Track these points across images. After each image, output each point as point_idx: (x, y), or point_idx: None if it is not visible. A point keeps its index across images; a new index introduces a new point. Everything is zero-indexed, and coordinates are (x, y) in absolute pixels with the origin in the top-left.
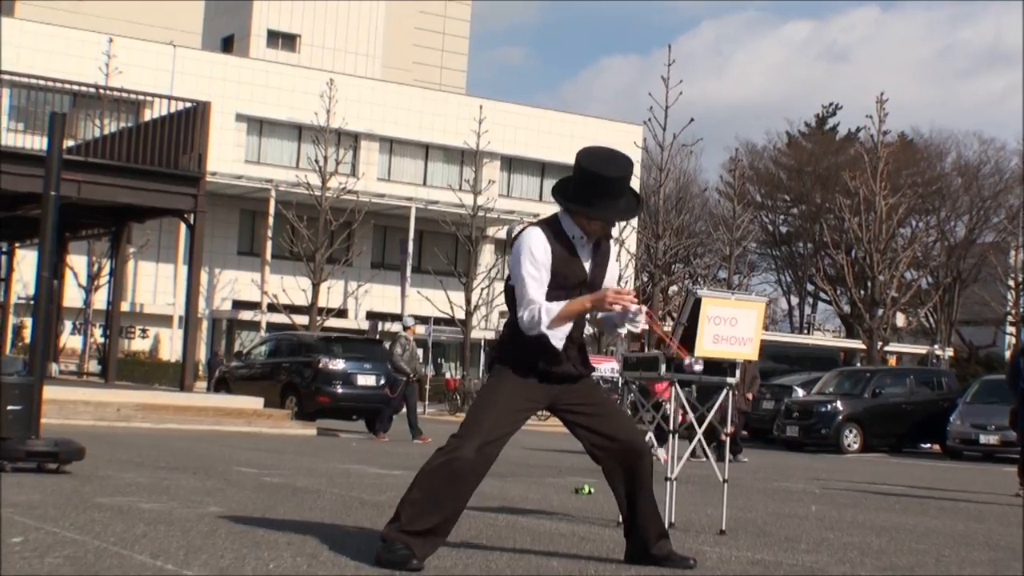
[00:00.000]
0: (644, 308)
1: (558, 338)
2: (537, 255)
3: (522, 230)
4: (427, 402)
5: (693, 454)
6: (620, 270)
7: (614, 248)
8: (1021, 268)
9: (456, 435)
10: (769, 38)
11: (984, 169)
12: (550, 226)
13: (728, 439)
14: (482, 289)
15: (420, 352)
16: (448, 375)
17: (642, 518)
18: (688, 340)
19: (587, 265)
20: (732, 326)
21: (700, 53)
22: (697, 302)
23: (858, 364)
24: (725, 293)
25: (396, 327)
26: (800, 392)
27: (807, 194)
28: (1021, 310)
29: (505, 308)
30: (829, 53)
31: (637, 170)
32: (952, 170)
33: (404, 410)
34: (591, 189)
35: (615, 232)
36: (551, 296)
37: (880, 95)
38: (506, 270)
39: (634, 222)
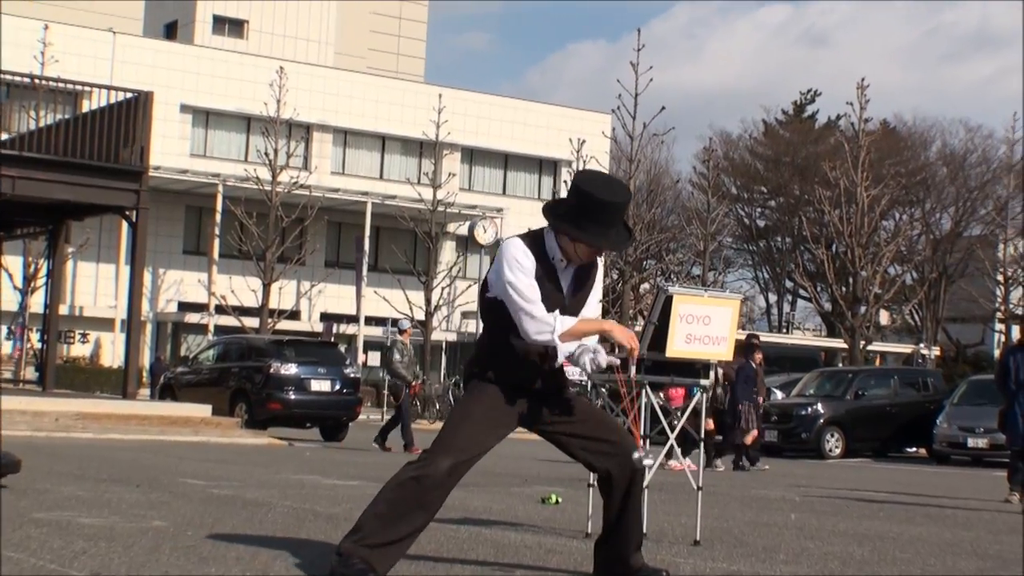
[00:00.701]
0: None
1: (562, 352)
2: (523, 263)
3: (504, 240)
4: (385, 409)
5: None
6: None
7: (600, 277)
8: (1010, 262)
9: (428, 450)
10: (745, 21)
11: (971, 158)
12: (533, 241)
13: (706, 443)
14: (443, 288)
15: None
16: None
17: (626, 527)
18: (659, 339)
19: (566, 290)
20: (705, 325)
21: (672, 38)
22: (668, 300)
23: (840, 364)
24: (698, 290)
25: (352, 329)
26: (779, 394)
27: (785, 186)
28: (1010, 306)
29: (468, 308)
30: (807, 37)
31: (605, 161)
32: (937, 159)
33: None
34: (583, 211)
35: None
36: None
37: (861, 81)
38: (468, 267)
39: None
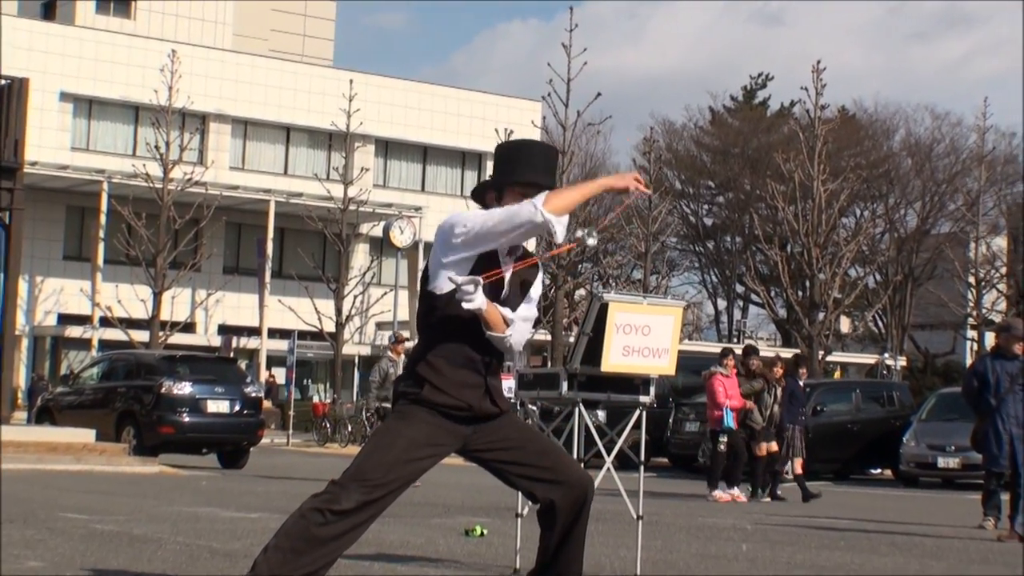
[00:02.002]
0: (478, 279)
1: (559, 233)
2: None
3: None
4: (291, 431)
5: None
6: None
7: (540, 274)
8: (982, 262)
9: (337, 482)
10: None
11: (938, 148)
12: None
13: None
14: (355, 296)
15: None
16: (316, 399)
17: (565, 564)
18: (594, 352)
19: (506, 278)
20: (644, 335)
21: (610, 17)
22: (604, 308)
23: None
24: (636, 297)
25: (253, 343)
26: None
27: (734, 180)
28: (983, 311)
29: (383, 318)
30: (761, 16)
31: None
32: (901, 150)
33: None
34: (513, 164)
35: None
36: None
37: (816, 63)
38: (384, 273)
39: None
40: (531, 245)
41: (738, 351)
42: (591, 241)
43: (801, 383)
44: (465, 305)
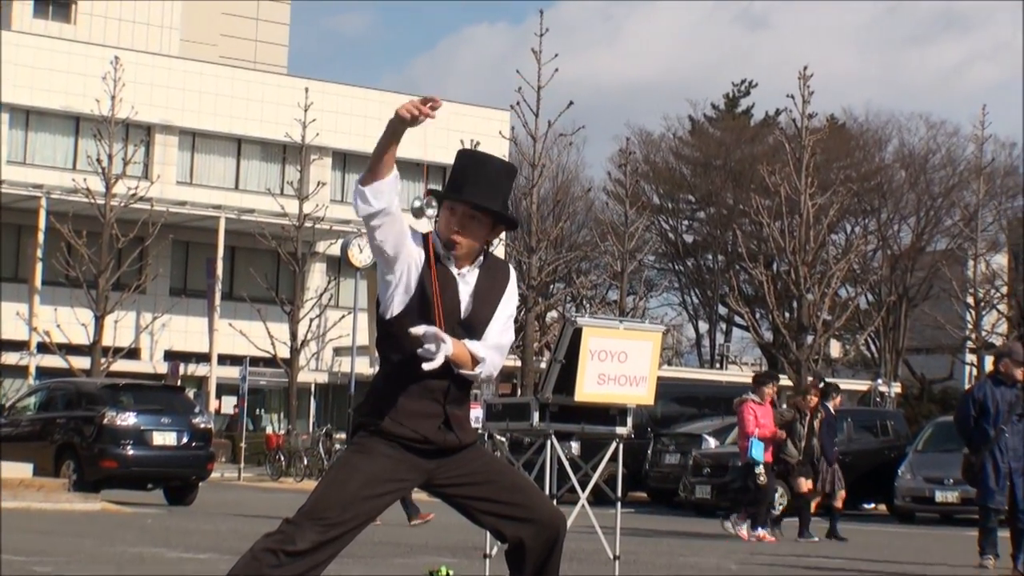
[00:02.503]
0: (443, 339)
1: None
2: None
3: None
4: (243, 465)
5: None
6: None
7: (512, 292)
8: (981, 282)
9: (291, 520)
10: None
11: (933, 159)
12: (426, 240)
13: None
14: (312, 320)
15: None
16: (269, 429)
17: None
18: (567, 380)
19: (463, 295)
20: (621, 363)
21: (583, 19)
22: (577, 333)
23: (783, 405)
24: (611, 321)
25: (202, 370)
26: (712, 442)
27: (716, 194)
28: (983, 334)
29: (342, 343)
30: (745, 18)
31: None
32: (894, 161)
33: None
34: (461, 174)
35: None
36: (409, 335)
37: (803, 69)
38: (342, 294)
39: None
40: (500, 251)
41: (740, 375)
42: (430, 212)
43: (834, 412)
44: (426, 366)
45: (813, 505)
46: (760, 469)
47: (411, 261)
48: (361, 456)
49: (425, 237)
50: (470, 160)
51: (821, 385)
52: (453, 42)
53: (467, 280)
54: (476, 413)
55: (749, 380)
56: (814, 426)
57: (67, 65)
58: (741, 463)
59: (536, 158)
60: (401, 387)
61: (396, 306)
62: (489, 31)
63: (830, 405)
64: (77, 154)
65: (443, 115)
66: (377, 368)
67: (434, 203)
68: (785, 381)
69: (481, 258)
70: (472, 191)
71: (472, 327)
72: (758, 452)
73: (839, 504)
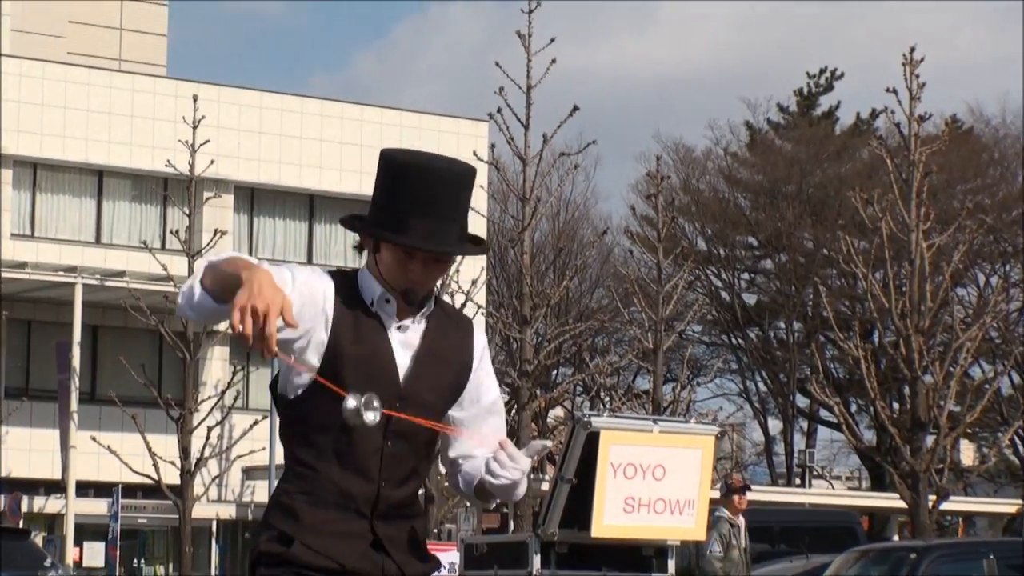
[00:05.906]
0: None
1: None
2: (295, 270)
3: None
4: None
5: None
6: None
7: (481, 353)
8: None
9: None
10: None
11: None
12: (343, 281)
13: None
14: (210, 429)
15: None
16: None
17: None
18: (580, 507)
19: (400, 356)
20: (657, 480)
21: None
22: (592, 439)
23: (895, 537)
24: (642, 421)
25: (55, 504)
26: None
27: (787, 234)
28: None
29: (255, 462)
30: None
31: (481, 203)
32: None
33: None
34: (406, 199)
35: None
36: (325, 407)
37: (910, 52)
38: (252, 389)
39: (481, 294)
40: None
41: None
42: (369, 416)
43: None
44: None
45: None
46: None
47: (317, 312)
48: None
49: (345, 277)
50: (413, 172)
51: None
52: (411, 27)
53: (413, 332)
54: (450, 557)
55: (843, 500)
56: None
57: None
58: None
59: (527, 189)
60: (305, 495)
61: (303, 377)
62: (461, 12)
63: None
64: None
65: (396, 129)
66: (284, 466)
67: (376, 404)
68: (895, 501)
69: (430, 304)
70: (432, 229)
71: (414, 399)
72: None
73: None
